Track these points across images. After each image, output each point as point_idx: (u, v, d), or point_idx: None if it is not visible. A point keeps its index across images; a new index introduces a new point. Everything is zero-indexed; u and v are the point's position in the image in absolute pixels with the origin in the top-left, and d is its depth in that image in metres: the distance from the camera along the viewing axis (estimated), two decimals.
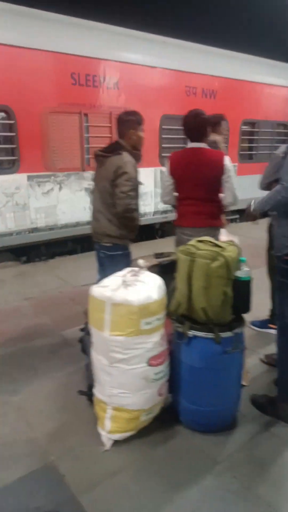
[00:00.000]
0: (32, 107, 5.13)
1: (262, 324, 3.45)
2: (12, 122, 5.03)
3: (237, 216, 7.99)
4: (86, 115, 5.58)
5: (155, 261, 2.89)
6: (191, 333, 2.11)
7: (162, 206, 6.61)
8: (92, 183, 3.09)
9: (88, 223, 3.25)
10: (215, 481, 1.95)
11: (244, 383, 2.50)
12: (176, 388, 2.28)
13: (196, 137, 2.91)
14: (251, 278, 2.14)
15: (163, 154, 6.45)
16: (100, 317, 2.10)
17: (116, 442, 2.18)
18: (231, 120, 6.33)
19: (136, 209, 2.83)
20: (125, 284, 2.09)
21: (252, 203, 2.33)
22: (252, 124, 8.17)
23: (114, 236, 2.88)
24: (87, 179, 5.58)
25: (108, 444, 2.16)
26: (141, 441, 2.19)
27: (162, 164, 6.31)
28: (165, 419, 2.31)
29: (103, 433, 2.20)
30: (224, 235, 2.89)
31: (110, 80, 5.82)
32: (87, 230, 3.28)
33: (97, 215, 2.94)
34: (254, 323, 3.47)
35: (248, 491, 1.90)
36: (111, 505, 1.83)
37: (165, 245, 4.95)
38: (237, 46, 7.88)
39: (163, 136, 6.59)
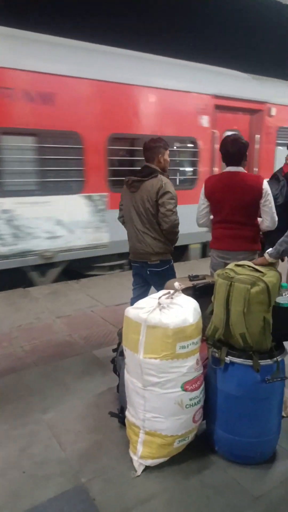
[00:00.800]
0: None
1: None
2: None
3: None
4: None
5: (190, 284, 2.87)
6: (228, 359, 2.07)
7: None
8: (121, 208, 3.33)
9: None
10: None
11: (284, 414, 2.40)
12: (211, 415, 2.21)
13: (233, 161, 2.93)
14: None
15: None
16: (134, 339, 2.09)
17: (147, 468, 2.13)
18: (87, 134, 5.39)
19: (177, 225, 3.11)
20: (161, 306, 2.09)
21: (267, 256, 2.43)
22: (129, 140, 6.03)
23: (162, 253, 3.16)
24: None
25: (139, 469, 2.12)
26: (174, 469, 2.13)
27: None
28: (199, 447, 2.25)
29: (135, 458, 2.16)
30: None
31: None
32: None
33: (140, 236, 3.15)
34: None
35: None
36: None
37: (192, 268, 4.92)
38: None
39: None
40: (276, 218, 2.91)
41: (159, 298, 2.15)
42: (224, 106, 6.78)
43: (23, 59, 4.95)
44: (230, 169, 2.96)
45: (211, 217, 3.12)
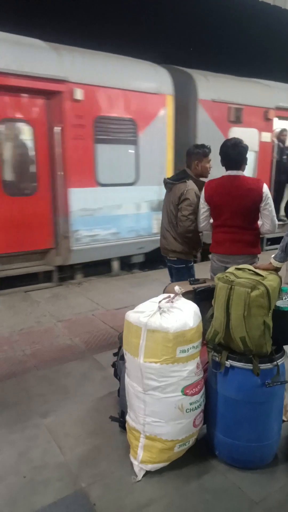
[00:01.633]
0: None
1: None
2: None
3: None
4: None
5: (190, 287, 2.87)
6: (228, 363, 2.06)
7: None
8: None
9: None
10: None
11: (285, 418, 2.39)
12: (212, 420, 2.21)
13: (234, 165, 2.94)
14: None
15: None
16: (135, 343, 2.09)
17: (147, 473, 2.12)
18: None
19: (195, 230, 3.30)
20: (161, 310, 2.09)
21: (272, 261, 2.46)
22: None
23: (179, 252, 3.44)
24: None
25: (140, 474, 2.11)
26: (174, 473, 2.12)
27: None
28: (199, 451, 2.24)
29: (135, 462, 2.15)
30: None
31: None
32: None
33: (165, 233, 3.51)
34: None
35: None
36: None
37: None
38: None
39: None
40: (277, 222, 2.91)
41: (159, 302, 2.15)
42: None
43: None
44: (230, 173, 2.96)
45: (211, 220, 3.13)
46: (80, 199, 5.49)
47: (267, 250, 7.26)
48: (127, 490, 2.03)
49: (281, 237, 2.48)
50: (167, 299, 2.17)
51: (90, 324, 4.24)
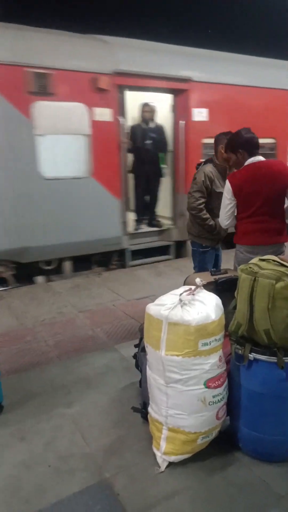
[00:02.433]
0: None
1: None
2: None
3: None
4: None
5: (211, 278, 2.83)
6: (252, 356, 2.02)
7: None
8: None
9: None
10: None
11: None
12: (235, 413, 2.19)
13: (256, 151, 2.89)
14: None
15: None
16: (156, 336, 2.08)
17: (170, 464, 2.13)
18: None
19: (201, 210, 3.50)
20: (182, 303, 2.06)
21: None
22: None
23: (192, 234, 3.72)
24: None
25: (163, 465, 2.12)
26: (197, 465, 2.12)
27: None
28: (223, 444, 2.22)
29: (158, 453, 2.16)
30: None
31: None
32: None
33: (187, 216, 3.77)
34: None
35: None
36: None
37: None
38: None
39: None
40: None
41: (181, 294, 2.12)
42: None
43: None
44: (253, 159, 2.88)
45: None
46: None
47: None
48: (150, 481, 2.04)
49: None
50: (188, 292, 2.14)
51: (111, 314, 4.26)
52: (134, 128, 5.99)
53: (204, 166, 3.54)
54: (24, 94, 4.70)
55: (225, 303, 2.19)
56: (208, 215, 3.52)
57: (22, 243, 5.05)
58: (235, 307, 2.16)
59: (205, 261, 3.70)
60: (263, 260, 2.09)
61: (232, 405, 2.19)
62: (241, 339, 2.10)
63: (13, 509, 1.92)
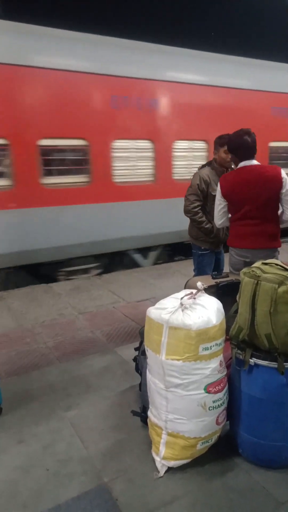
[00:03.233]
0: None
1: None
2: None
3: None
4: None
5: (213, 282, 2.81)
6: (253, 361, 2.01)
7: None
8: None
9: None
10: None
11: None
12: (235, 418, 2.17)
13: (250, 155, 2.87)
14: None
15: None
16: (156, 340, 2.06)
17: (170, 469, 2.11)
18: None
19: (196, 213, 3.55)
20: (183, 307, 2.05)
21: None
22: None
23: (191, 236, 3.78)
24: None
25: (162, 470, 2.10)
26: (197, 471, 2.10)
27: None
28: (222, 449, 2.21)
29: (157, 458, 2.14)
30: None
31: None
32: None
33: None
34: None
35: None
36: None
37: None
38: None
39: None
40: None
41: (182, 298, 2.11)
42: None
43: None
44: (245, 163, 2.88)
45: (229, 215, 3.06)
46: None
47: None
48: (149, 486, 2.03)
49: None
50: (189, 296, 2.13)
51: (112, 316, 4.25)
52: None
53: (200, 170, 3.61)
54: None
55: (226, 307, 2.17)
56: (204, 218, 3.56)
57: None
58: (236, 311, 2.14)
59: (203, 264, 3.71)
60: (266, 263, 2.08)
61: (232, 410, 2.17)
62: (242, 344, 2.09)
63: None
